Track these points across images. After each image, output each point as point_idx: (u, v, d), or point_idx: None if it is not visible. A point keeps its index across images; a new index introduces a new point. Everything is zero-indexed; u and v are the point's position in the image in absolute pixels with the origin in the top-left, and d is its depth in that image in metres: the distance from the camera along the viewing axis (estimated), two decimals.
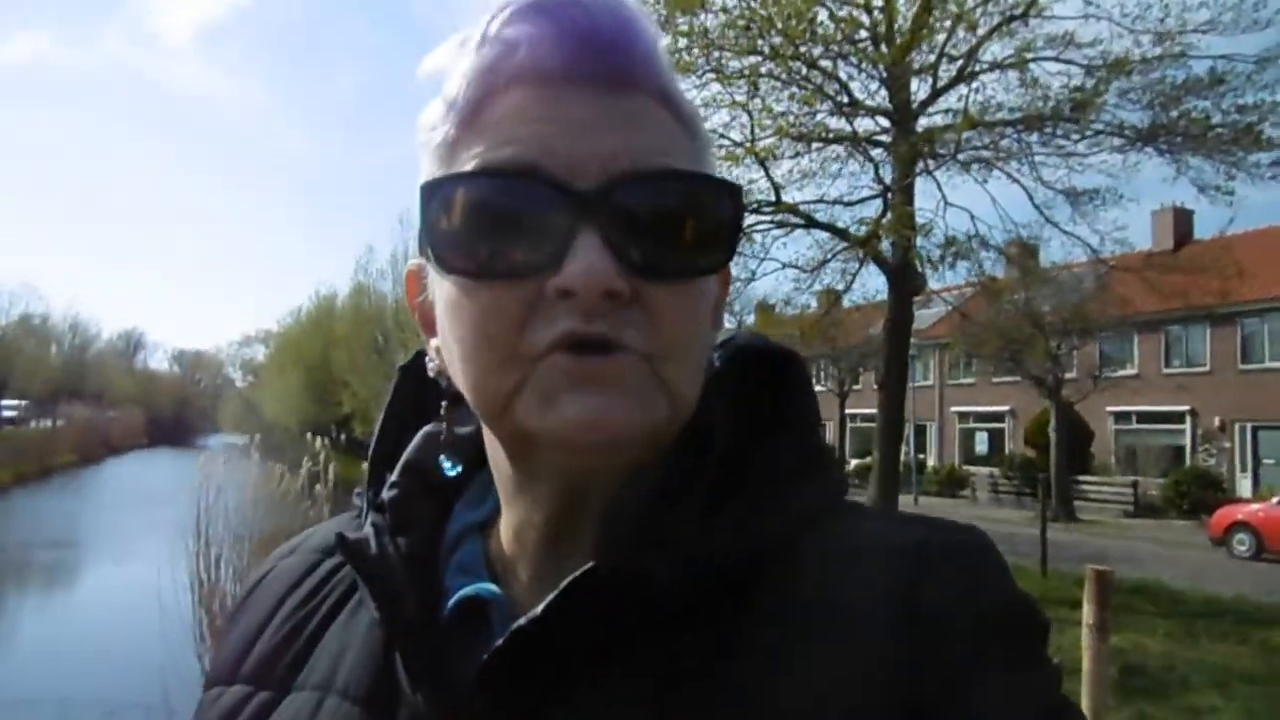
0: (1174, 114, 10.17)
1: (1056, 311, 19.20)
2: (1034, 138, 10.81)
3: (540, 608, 0.48)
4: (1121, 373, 24.38)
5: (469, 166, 0.50)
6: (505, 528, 0.58)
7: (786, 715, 0.47)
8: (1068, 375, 21.12)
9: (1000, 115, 10.74)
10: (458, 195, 0.50)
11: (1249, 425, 23.96)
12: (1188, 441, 25.23)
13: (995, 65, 10.77)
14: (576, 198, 0.48)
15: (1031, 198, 11.62)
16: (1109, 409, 25.40)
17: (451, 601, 0.56)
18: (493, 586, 0.56)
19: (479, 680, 0.50)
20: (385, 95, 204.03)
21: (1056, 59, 10.48)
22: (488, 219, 0.49)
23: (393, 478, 0.62)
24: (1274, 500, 15.82)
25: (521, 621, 0.48)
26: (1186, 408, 25.27)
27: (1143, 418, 26.17)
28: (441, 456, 0.62)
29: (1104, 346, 23.48)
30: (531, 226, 0.48)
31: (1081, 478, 23.16)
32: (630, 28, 0.51)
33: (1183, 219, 27.32)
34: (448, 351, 0.54)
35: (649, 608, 0.49)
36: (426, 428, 0.64)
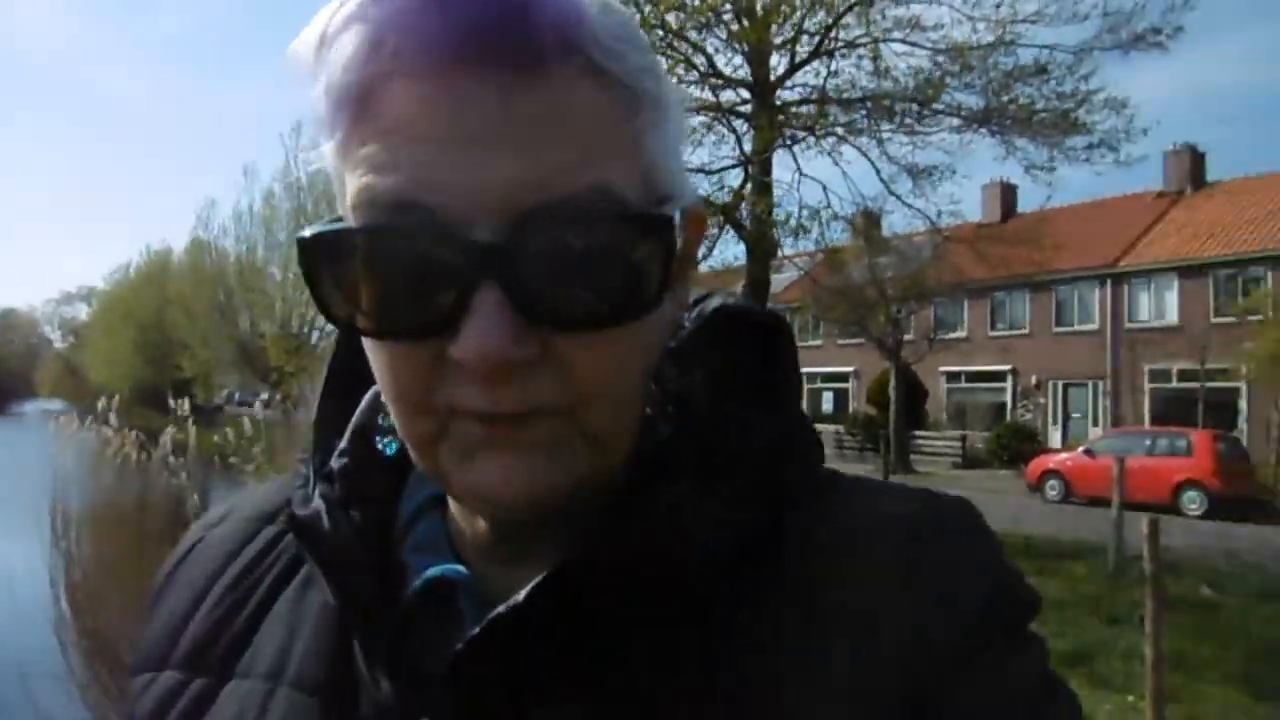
0: (1005, 99, 11.09)
1: (897, 279, 20.49)
2: (883, 116, 11.51)
3: (523, 594, 0.44)
4: (953, 335, 26.44)
5: (350, 197, 0.43)
6: (459, 516, 0.53)
7: (786, 705, 0.45)
8: (906, 338, 22.60)
9: (854, 94, 11.40)
10: (341, 247, 0.43)
11: (1060, 383, 26.62)
12: (1009, 398, 27.76)
13: (849, 44, 11.35)
14: (472, 248, 0.40)
15: (879, 172, 12.39)
16: (941, 369, 27.42)
17: (418, 582, 0.51)
18: (460, 567, 0.51)
19: (453, 671, 0.45)
20: (223, 34, 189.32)
21: (904, 41, 11.18)
22: (371, 272, 0.43)
23: (342, 444, 0.56)
24: (1080, 449, 17.72)
25: (501, 609, 0.45)
26: (1008, 367, 27.72)
27: (971, 377, 28.46)
28: (378, 437, 0.56)
29: (938, 311, 25.24)
30: (423, 282, 0.41)
31: (917, 433, 24.98)
32: None
33: (1009, 194, 29.58)
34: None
35: (635, 596, 0.46)
36: (375, 387, 0.55)
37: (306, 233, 0.44)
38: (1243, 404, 22.55)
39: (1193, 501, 15.17)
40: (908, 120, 11.49)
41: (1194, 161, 28.48)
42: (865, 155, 12.12)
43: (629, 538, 0.45)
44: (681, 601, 0.47)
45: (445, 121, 0.40)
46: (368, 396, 0.57)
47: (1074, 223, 23.13)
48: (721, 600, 0.48)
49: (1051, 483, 17.23)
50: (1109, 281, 26.12)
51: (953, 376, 28.58)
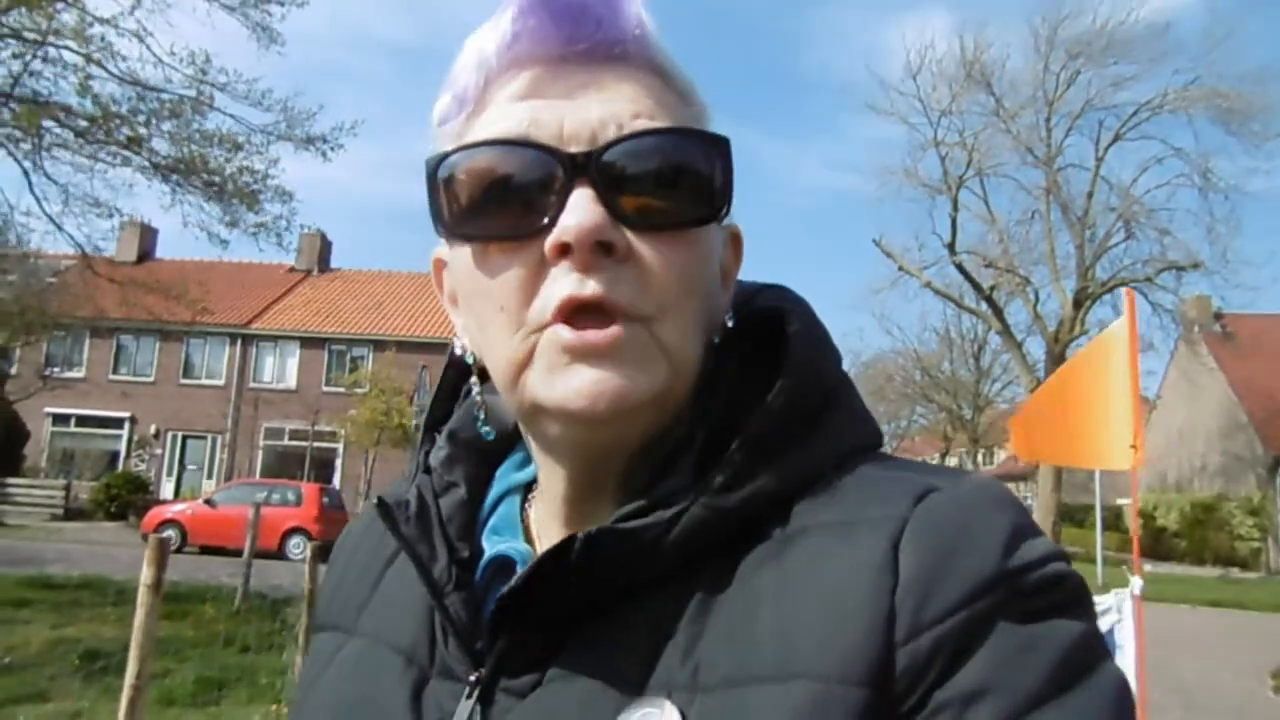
0: (196, 156, 11.30)
1: (14, 301, 17.90)
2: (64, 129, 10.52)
3: (533, 562, 0.51)
4: (70, 375, 24.12)
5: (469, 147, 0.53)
6: (541, 490, 0.60)
7: (773, 656, 0.46)
8: (11, 371, 19.76)
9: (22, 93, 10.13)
10: (457, 169, 0.53)
11: (180, 434, 26.66)
12: (124, 446, 26.47)
13: (15, 36, 10.11)
14: (568, 159, 0.50)
15: (30, 185, 11.12)
16: (48, 410, 24.68)
17: (483, 562, 0.58)
18: (522, 546, 0.58)
19: (489, 627, 0.53)
20: None
21: (88, 57, 10.44)
22: (486, 187, 0.52)
23: (439, 441, 0.64)
24: (201, 500, 18.22)
25: (507, 587, 0.51)
26: (127, 414, 26.57)
27: (83, 421, 26.42)
28: (478, 423, 0.63)
29: (52, 347, 22.79)
30: (527, 190, 0.51)
31: (10, 480, 21.80)
32: (618, 6, 0.54)
33: (148, 235, 28.84)
34: (471, 328, 0.58)
35: (650, 562, 0.50)
36: (472, 396, 0.63)
37: (435, 153, 0.54)
38: (339, 461, 26.36)
39: (298, 546, 16.96)
40: (88, 145, 10.72)
41: (324, 246, 32.39)
42: (17, 160, 10.77)
43: (641, 514, 0.50)
44: (692, 568, 0.51)
45: (550, 87, 0.53)
46: (464, 406, 0.66)
47: (212, 277, 23.95)
48: (715, 573, 0.50)
49: (169, 532, 17.20)
50: (240, 341, 27.67)
51: (61, 419, 26.15)
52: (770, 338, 0.57)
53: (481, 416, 0.62)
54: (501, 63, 0.54)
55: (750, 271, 0.63)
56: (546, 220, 0.50)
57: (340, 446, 25.80)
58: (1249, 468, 26.99)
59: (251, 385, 27.44)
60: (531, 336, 0.51)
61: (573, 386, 0.50)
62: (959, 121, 25.82)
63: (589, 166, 0.50)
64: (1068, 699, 0.44)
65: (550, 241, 0.50)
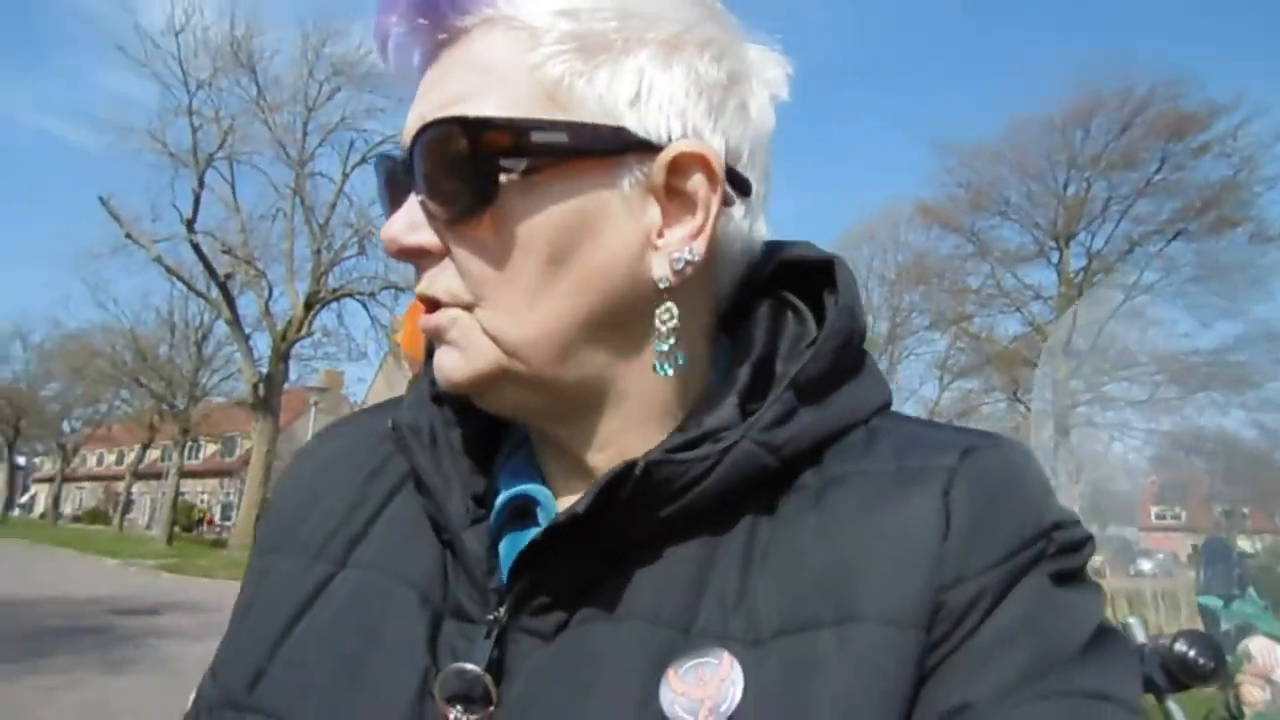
0: None
1: None
2: None
3: (570, 506, 0.49)
4: None
5: None
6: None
7: (829, 600, 0.47)
8: None
9: None
10: (377, 171, 0.57)
11: None
12: None
13: None
14: (401, 164, 0.53)
15: None
16: None
17: (499, 501, 0.56)
18: (542, 487, 0.57)
19: (510, 574, 0.51)
20: None
21: None
22: (385, 191, 0.56)
23: None
24: None
25: (559, 518, 0.50)
26: None
27: None
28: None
29: None
30: (395, 191, 0.55)
31: None
32: None
33: None
34: None
35: (694, 498, 0.50)
36: None
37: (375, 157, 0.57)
38: None
39: None
40: None
41: None
42: None
43: (679, 452, 0.50)
44: (728, 509, 0.52)
45: (420, 86, 0.54)
46: None
47: None
48: (755, 516, 0.52)
49: None
50: None
51: None
52: (800, 288, 0.59)
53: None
54: (391, 63, 0.56)
55: None
56: None
57: None
58: None
59: None
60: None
61: (436, 359, 0.55)
62: (216, 98, 24.67)
63: (405, 169, 0.52)
64: (1092, 657, 0.47)
65: None
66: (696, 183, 0.52)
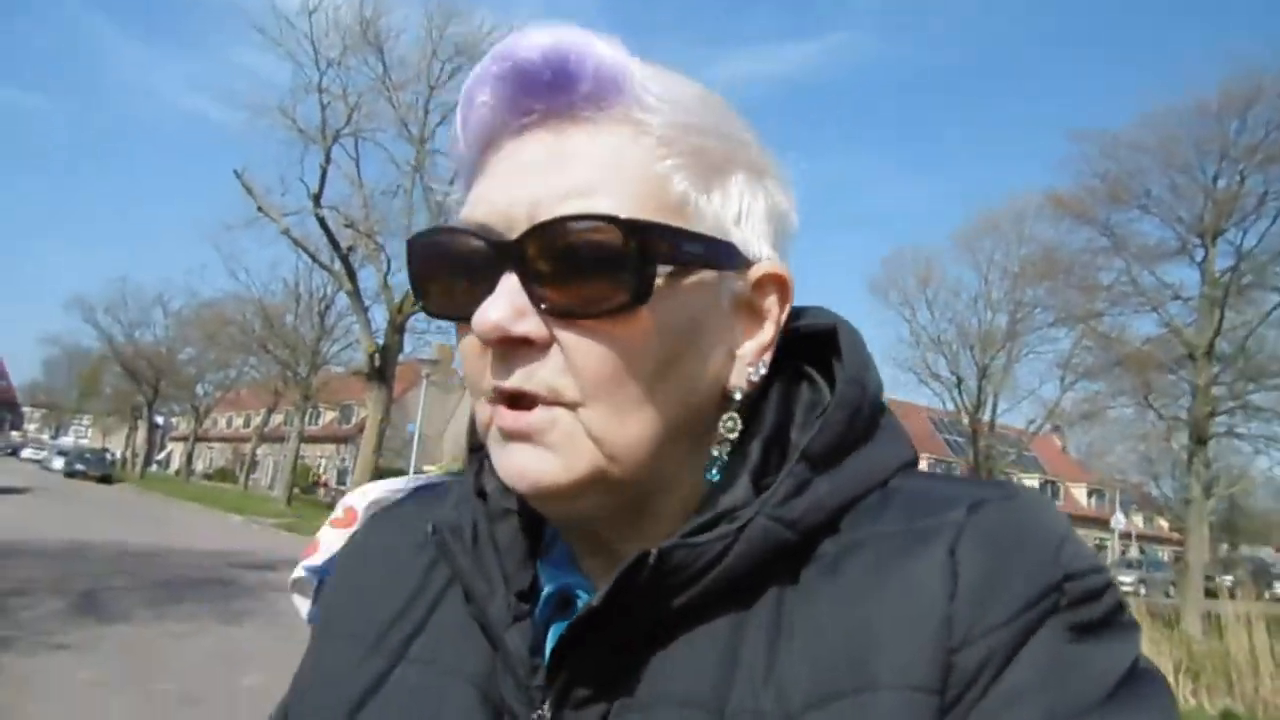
0: None
1: None
2: None
3: (596, 598, 0.50)
4: None
5: None
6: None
7: (849, 669, 0.47)
8: None
9: None
10: (424, 248, 0.55)
11: None
12: None
13: None
14: (498, 247, 0.51)
15: None
16: None
17: (544, 595, 0.57)
18: (582, 578, 0.58)
19: (550, 661, 0.52)
20: None
21: None
22: (441, 268, 0.54)
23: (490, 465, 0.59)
24: None
25: (580, 612, 0.51)
26: None
27: None
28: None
29: None
30: (470, 275, 0.52)
31: None
32: (572, 63, 0.51)
33: None
34: None
35: (715, 579, 0.51)
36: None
37: (410, 236, 0.55)
38: None
39: None
40: None
41: None
42: None
43: (692, 536, 0.51)
44: (750, 583, 0.52)
45: (507, 163, 0.53)
46: None
47: None
48: (777, 590, 0.52)
49: None
50: None
51: None
52: (813, 356, 0.60)
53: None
54: (468, 143, 0.55)
55: None
56: (480, 301, 0.51)
57: None
58: None
59: None
60: (487, 407, 0.53)
61: (503, 465, 0.53)
62: (344, 77, 25.47)
63: (513, 254, 0.50)
64: (1116, 706, 0.45)
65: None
66: (771, 301, 0.57)
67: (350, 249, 25.43)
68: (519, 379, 0.50)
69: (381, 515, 0.70)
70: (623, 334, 0.50)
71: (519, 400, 0.51)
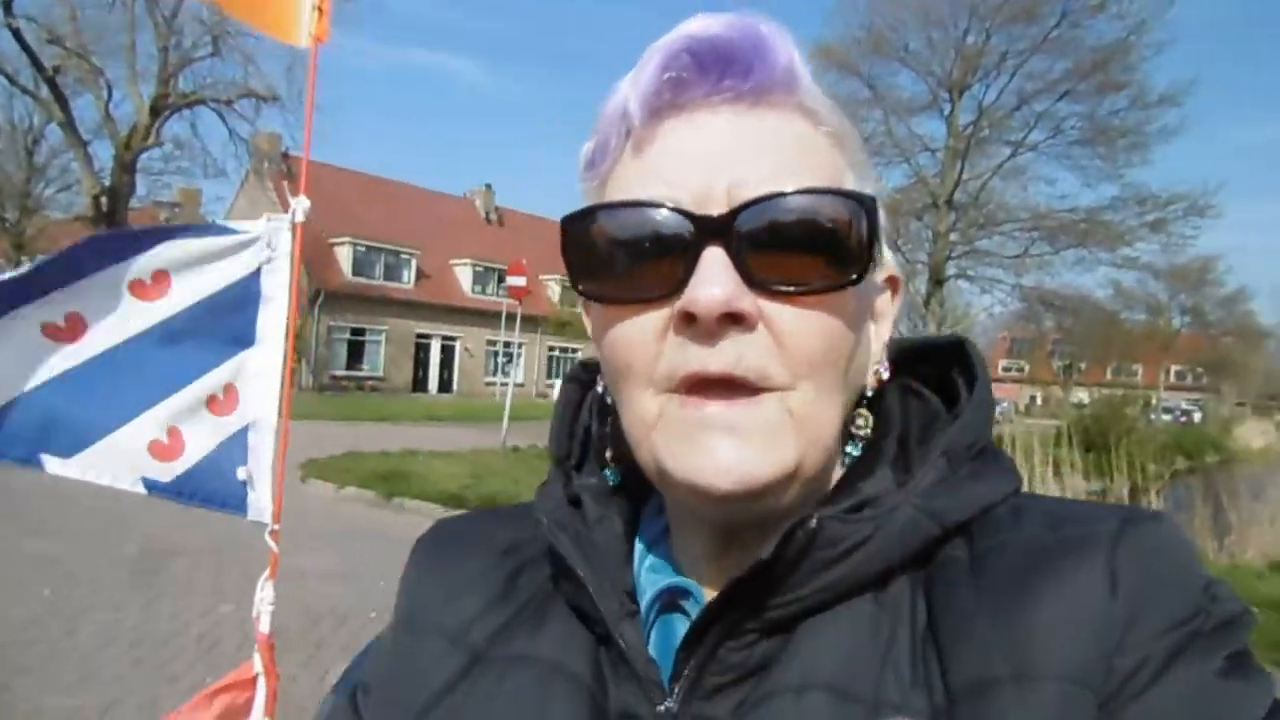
0: None
1: None
2: None
3: (745, 570, 0.49)
4: None
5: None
6: (684, 531, 0.58)
7: (1006, 662, 0.46)
8: None
9: None
10: (590, 228, 0.52)
11: None
12: None
13: None
14: (702, 222, 0.48)
15: None
16: None
17: (654, 592, 0.56)
18: (690, 581, 0.56)
19: (681, 651, 0.51)
20: None
21: None
22: (618, 248, 0.51)
23: (584, 476, 0.62)
24: None
25: (702, 612, 0.51)
26: None
27: None
28: (604, 468, 0.62)
29: None
30: (658, 253, 0.49)
31: None
32: (767, 47, 0.51)
33: None
34: (608, 374, 0.56)
35: (855, 565, 0.50)
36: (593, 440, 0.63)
37: (570, 214, 0.53)
38: None
39: None
40: None
41: None
42: None
43: (844, 515, 0.50)
44: (880, 584, 0.51)
45: (695, 142, 0.51)
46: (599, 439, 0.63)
47: None
48: (917, 582, 0.51)
49: None
50: None
51: None
52: (930, 367, 0.60)
53: (609, 463, 0.62)
54: (644, 114, 0.52)
55: None
56: (675, 284, 0.49)
57: None
58: None
59: None
60: (658, 398, 0.51)
61: (696, 461, 0.49)
62: None
63: (723, 230, 0.49)
64: None
65: (678, 309, 0.49)
66: (891, 300, 0.59)
67: (57, 69, 21.61)
68: (728, 361, 0.48)
69: (439, 533, 0.69)
70: (835, 312, 0.50)
71: (716, 388, 0.48)
